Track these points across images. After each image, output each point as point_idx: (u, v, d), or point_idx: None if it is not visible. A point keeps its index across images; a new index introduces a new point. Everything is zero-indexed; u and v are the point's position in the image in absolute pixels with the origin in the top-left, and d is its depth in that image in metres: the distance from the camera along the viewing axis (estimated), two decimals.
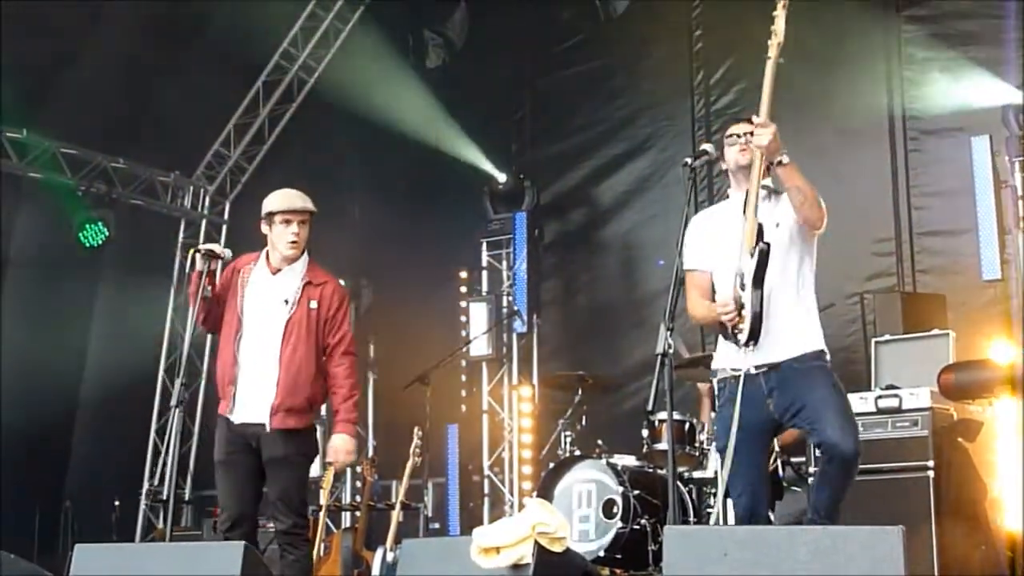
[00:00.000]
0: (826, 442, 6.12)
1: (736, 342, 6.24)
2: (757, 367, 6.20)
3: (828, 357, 6.35)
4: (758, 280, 6.13)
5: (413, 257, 14.31)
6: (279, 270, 7.56)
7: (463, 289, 14.15)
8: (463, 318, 13.91)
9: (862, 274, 11.41)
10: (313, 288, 7.54)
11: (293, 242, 7.53)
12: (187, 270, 7.43)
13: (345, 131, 15.18)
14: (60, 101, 13.86)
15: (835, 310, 10.83)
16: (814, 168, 11.42)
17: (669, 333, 5.92)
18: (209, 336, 8.50)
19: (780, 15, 6.08)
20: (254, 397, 7.39)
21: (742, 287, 6.19)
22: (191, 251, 7.42)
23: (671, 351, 5.92)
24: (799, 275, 6.35)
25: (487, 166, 14.15)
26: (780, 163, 6.14)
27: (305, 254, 7.66)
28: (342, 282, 7.89)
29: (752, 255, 6.12)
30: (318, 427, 7.75)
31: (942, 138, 11.23)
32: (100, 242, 14.10)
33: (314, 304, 7.49)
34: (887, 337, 9.67)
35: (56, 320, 14.33)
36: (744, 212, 6.19)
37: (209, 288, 7.40)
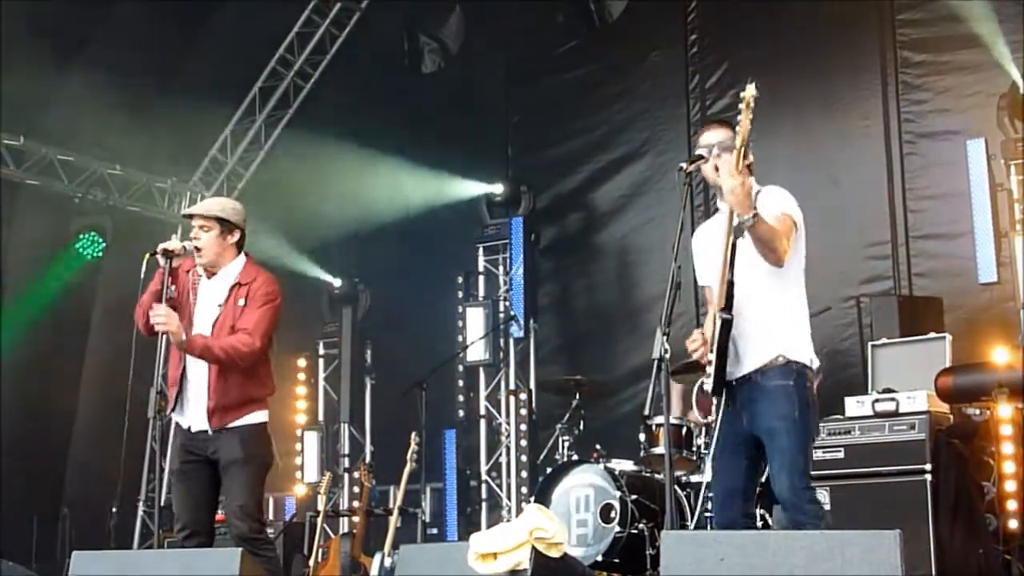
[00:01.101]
0: (772, 484, 6.25)
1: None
2: (736, 380, 6.25)
3: (804, 364, 6.26)
4: (721, 348, 6.14)
5: (410, 262, 14.32)
6: (214, 274, 7.56)
7: (460, 294, 14.14)
8: (460, 323, 13.89)
9: (858, 277, 11.41)
10: (241, 288, 7.49)
11: (196, 247, 7.50)
12: (143, 275, 7.39)
13: (342, 136, 15.20)
14: (57, 108, 13.86)
15: (831, 313, 10.85)
16: (811, 171, 11.61)
17: (665, 338, 5.93)
18: None
19: (746, 115, 5.93)
20: (197, 403, 7.42)
21: (714, 336, 6.21)
22: (145, 256, 7.39)
23: (667, 355, 5.93)
24: (778, 280, 6.29)
25: (479, 187, 14.14)
26: (748, 225, 5.97)
27: (242, 255, 7.63)
28: (273, 277, 7.65)
29: (714, 321, 6.15)
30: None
31: (938, 141, 11.25)
32: (100, 253, 14.16)
33: (242, 302, 7.44)
34: (884, 340, 9.68)
35: (54, 327, 14.32)
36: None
37: (173, 288, 7.38)
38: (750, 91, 5.90)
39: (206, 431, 7.36)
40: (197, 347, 7.27)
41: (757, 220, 5.96)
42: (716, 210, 6.68)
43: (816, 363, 6.36)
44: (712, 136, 6.45)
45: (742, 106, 5.91)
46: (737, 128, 5.99)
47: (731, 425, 6.31)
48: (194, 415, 7.41)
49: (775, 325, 6.28)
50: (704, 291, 6.67)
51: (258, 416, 7.47)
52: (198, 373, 7.43)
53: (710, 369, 6.21)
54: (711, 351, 6.19)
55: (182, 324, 7.42)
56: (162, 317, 7.17)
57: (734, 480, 6.34)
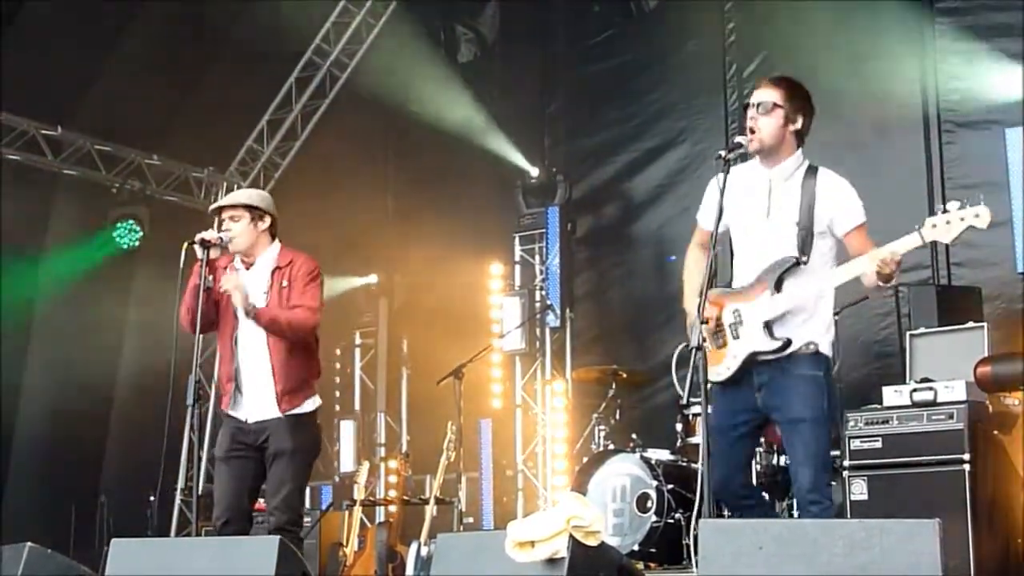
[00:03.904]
0: (793, 480, 6.38)
1: (708, 365, 6.21)
2: (758, 358, 6.29)
3: (829, 358, 6.34)
4: (755, 357, 6.24)
5: (446, 252, 14.33)
6: (252, 264, 7.60)
7: (496, 284, 14.15)
8: (495, 313, 13.91)
9: None
10: (282, 271, 7.58)
11: (229, 238, 7.56)
12: (182, 265, 7.46)
13: (377, 127, 15.22)
14: (94, 98, 13.91)
15: (870, 303, 10.80)
16: (849, 161, 11.50)
17: (703, 326, 5.92)
18: None
19: (962, 231, 5.93)
20: (256, 393, 7.47)
21: (735, 334, 6.30)
22: (185, 245, 7.45)
23: (705, 344, 5.92)
24: (822, 266, 6.32)
25: (519, 159, 14.12)
26: (881, 287, 6.19)
27: (276, 242, 7.72)
28: (310, 257, 7.81)
29: (768, 336, 6.22)
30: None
31: (976, 130, 11.18)
32: (136, 243, 14.21)
33: (285, 283, 7.53)
34: (922, 330, 9.63)
35: (91, 317, 14.39)
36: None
37: (211, 278, 7.45)
38: (987, 216, 5.89)
39: (261, 421, 7.41)
40: (265, 317, 7.40)
41: (892, 275, 6.04)
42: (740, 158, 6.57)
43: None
44: (759, 95, 6.40)
45: (968, 221, 5.89)
46: (939, 228, 5.95)
47: (734, 399, 6.34)
48: (252, 406, 7.46)
49: (811, 312, 6.29)
50: (697, 230, 6.76)
51: (312, 403, 7.57)
52: (257, 364, 7.52)
53: (730, 362, 6.29)
54: (736, 339, 6.28)
55: (223, 318, 7.53)
56: (232, 282, 7.37)
57: (736, 455, 6.41)
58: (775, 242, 6.31)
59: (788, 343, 6.17)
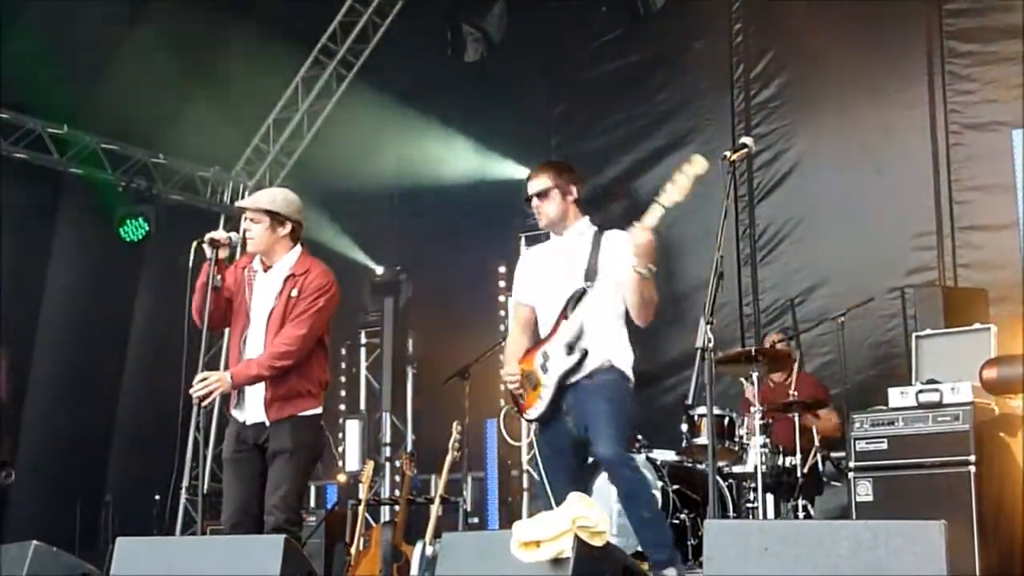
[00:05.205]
0: (593, 451, 6.92)
1: (520, 412, 7.14)
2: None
3: (620, 366, 6.95)
4: (563, 380, 6.87)
5: (452, 252, 14.32)
6: (270, 267, 7.56)
7: (502, 283, 14.13)
8: (502, 312, 13.89)
9: (903, 268, 11.36)
10: (295, 279, 7.47)
11: (248, 239, 7.55)
12: (191, 263, 7.43)
13: (383, 126, 15.20)
14: (101, 97, 13.91)
15: (875, 304, 10.83)
16: (856, 161, 11.54)
17: (709, 327, 5.92)
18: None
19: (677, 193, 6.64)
20: (254, 395, 7.43)
21: (544, 369, 6.91)
22: (194, 244, 7.42)
23: (711, 345, 5.92)
24: (614, 307, 6.95)
25: (521, 175, 14.12)
26: (640, 274, 6.73)
27: (297, 248, 7.62)
28: (327, 269, 7.64)
29: (570, 352, 6.84)
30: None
31: (983, 132, 11.19)
32: (141, 237, 14.17)
33: (295, 293, 7.43)
34: (928, 331, 9.61)
35: (97, 316, 14.38)
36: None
37: (219, 278, 7.41)
38: (701, 161, 6.64)
39: (262, 423, 7.39)
40: (243, 379, 7.37)
41: (651, 278, 6.75)
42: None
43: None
44: (534, 185, 7.32)
45: (686, 172, 6.62)
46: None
47: (554, 433, 7.03)
48: (252, 408, 7.43)
49: (607, 335, 6.94)
50: (516, 307, 7.46)
51: (311, 409, 7.49)
52: None
53: (543, 396, 6.95)
54: (545, 373, 6.93)
55: (235, 317, 7.52)
56: (204, 388, 7.31)
57: (573, 485, 6.66)
58: (567, 288, 6.99)
59: (586, 353, 6.78)
